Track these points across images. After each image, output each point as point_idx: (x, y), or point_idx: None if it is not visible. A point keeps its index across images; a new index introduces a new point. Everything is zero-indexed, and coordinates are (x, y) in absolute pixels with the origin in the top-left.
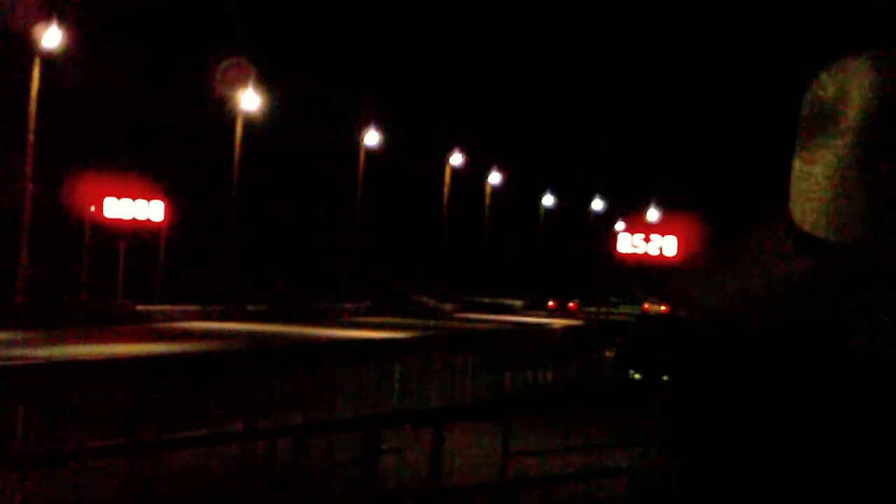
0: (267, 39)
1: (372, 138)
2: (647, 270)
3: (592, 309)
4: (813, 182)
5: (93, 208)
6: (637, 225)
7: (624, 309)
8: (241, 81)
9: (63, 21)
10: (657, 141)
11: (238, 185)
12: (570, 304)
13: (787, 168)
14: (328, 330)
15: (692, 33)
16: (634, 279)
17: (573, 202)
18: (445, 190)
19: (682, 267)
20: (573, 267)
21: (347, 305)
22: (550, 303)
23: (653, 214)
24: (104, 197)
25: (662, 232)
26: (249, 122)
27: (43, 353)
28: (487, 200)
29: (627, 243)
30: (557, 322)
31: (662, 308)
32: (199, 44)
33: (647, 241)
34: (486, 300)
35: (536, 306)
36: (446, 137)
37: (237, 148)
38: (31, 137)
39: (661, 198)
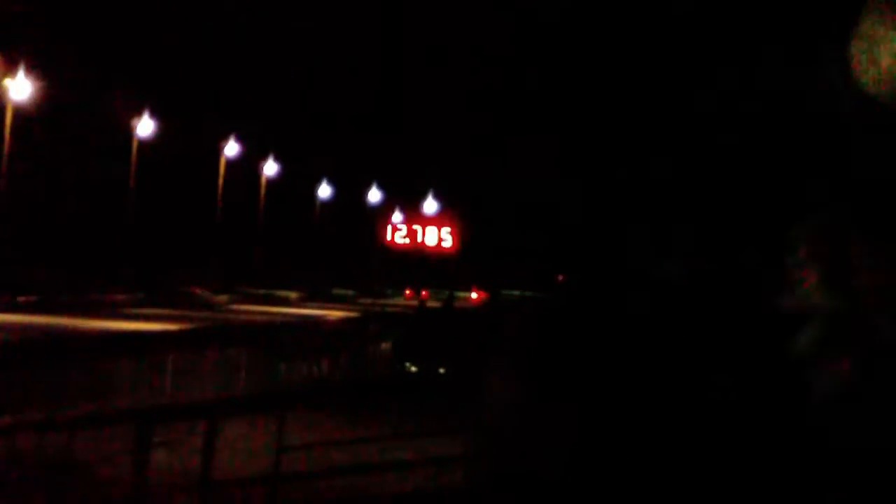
0: (39, 25)
1: (145, 127)
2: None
3: (368, 300)
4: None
5: None
6: (414, 217)
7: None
8: (9, 70)
9: None
10: (432, 134)
11: (8, 178)
12: (423, 293)
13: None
14: (101, 322)
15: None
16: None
17: (350, 194)
18: (220, 180)
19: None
20: (349, 258)
21: (120, 297)
22: (407, 291)
23: (430, 206)
24: None
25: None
26: (20, 112)
27: None
28: (263, 191)
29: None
30: (334, 314)
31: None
32: None
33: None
34: (262, 292)
35: (312, 297)
36: (221, 127)
37: (6, 138)
38: None
39: (438, 191)
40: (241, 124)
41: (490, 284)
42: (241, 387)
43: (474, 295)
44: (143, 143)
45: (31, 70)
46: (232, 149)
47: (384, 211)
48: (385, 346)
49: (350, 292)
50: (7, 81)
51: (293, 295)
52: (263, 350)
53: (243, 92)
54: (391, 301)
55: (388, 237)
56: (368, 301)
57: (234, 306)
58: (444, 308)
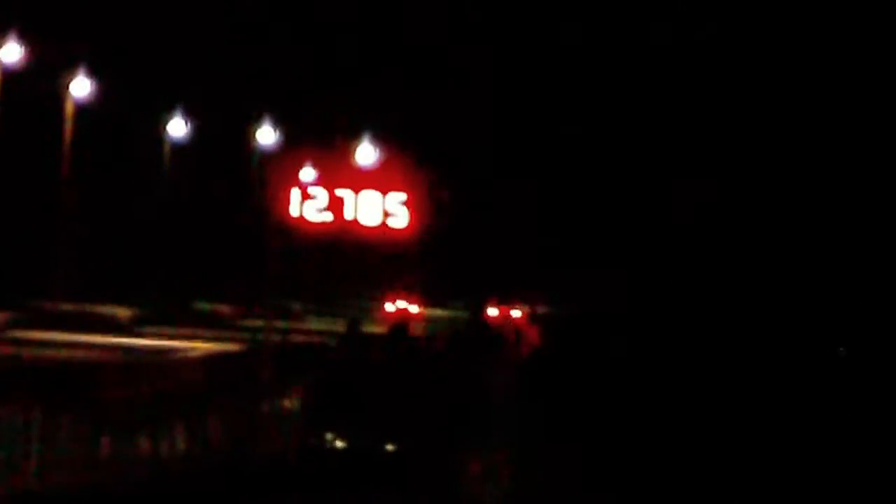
0: None
1: None
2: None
3: (259, 322)
4: None
5: None
6: (334, 173)
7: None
8: None
9: None
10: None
11: None
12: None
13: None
14: None
15: None
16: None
17: (221, 130)
18: None
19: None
20: (224, 249)
21: None
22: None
23: (367, 155)
24: None
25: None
26: None
27: None
28: (69, 127)
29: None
30: (196, 345)
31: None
32: None
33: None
34: (67, 308)
35: (156, 318)
36: None
37: None
38: None
39: (379, 130)
40: (29, 18)
41: (474, 297)
42: (27, 477)
43: (494, 311)
44: None
45: None
46: (12, 54)
47: (284, 163)
48: (291, 403)
49: (225, 307)
50: None
51: (123, 313)
52: (70, 411)
53: None
54: (300, 324)
55: (294, 210)
56: (259, 324)
57: (17, 333)
58: (392, 338)
